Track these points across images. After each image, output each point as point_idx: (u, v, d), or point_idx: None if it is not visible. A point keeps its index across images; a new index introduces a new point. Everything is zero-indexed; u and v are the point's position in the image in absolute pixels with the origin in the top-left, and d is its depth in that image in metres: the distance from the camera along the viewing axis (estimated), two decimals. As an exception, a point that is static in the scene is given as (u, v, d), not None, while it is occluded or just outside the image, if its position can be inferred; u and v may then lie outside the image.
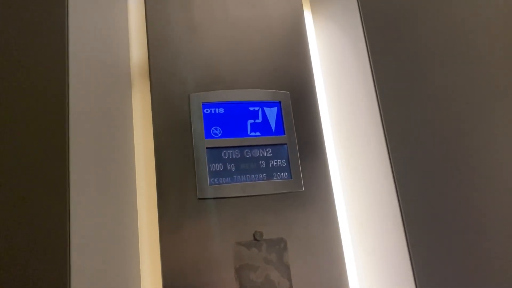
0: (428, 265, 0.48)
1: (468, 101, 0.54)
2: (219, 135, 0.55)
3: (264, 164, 0.55)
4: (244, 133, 0.56)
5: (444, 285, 0.48)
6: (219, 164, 0.54)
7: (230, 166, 0.54)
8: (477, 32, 0.57)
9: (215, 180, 0.53)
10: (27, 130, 0.37)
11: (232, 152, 0.55)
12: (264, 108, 0.58)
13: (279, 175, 0.55)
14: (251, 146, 0.55)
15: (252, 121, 0.57)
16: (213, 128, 0.55)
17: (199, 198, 0.52)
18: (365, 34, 0.58)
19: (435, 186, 0.51)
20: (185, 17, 0.59)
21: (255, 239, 0.52)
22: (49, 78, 0.39)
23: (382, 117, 0.54)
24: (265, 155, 0.56)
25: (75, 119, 0.39)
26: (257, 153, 0.55)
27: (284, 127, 0.57)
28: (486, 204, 0.50)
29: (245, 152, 0.55)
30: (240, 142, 0.55)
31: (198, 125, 0.54)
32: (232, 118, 0.56)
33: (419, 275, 0.48)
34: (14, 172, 0.36)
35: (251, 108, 0.57)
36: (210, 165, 0.53)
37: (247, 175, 0.54)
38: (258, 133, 0.56)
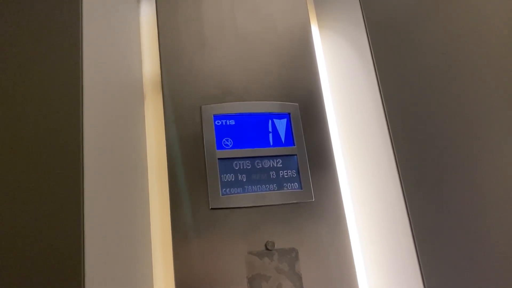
0: (438, 274, 0.49)
1: (477, 110, 0.55)
2: (230, 146, 0.56)
3: (274, 174, 0.56)
4: (254, 144, 0.57)
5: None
6: (230, 174, 0.55)
7: (241, 176, 0.55)
8: (481, 44, 0.58)
9: (227, 190, 0.54)
10: (42, 142, 0.38)
11: (243, 163, 0.55)
12: (274, 119, 0.59)
13: (289, 185, 0.56)
14: (261, 157, 0.56)
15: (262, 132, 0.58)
16: (224, 140, 0.56)
17: (211, 208, 0.53)
18: (371, 46, 0.59)
19: (443, 194, 0.52)
20: (196, 32, 0.61)
21: (267, 248, 0.52)
22: (64, 91, 0.40)
23: (389, 126, 0.55)
24: (275, 165, 0.56)
25: (89, 131, 0.40)
26: (267, 164, 0.56)
27: (294, 138, 0.58)
28: (492, 206, 0.51)
29: (256, 163, 0.56)
30: (250, 153, 0.56)
31: (209, 137, 0.56)
32: (243, 129, 0.57)
33: (429, 283, 0.49)
34: (31, 191, 0.37)
35: (261, 120, 0.58)
36: (222, 176, 0.54)
37: (258, 186, 0.55)
38: (268, 144, 0.57)
